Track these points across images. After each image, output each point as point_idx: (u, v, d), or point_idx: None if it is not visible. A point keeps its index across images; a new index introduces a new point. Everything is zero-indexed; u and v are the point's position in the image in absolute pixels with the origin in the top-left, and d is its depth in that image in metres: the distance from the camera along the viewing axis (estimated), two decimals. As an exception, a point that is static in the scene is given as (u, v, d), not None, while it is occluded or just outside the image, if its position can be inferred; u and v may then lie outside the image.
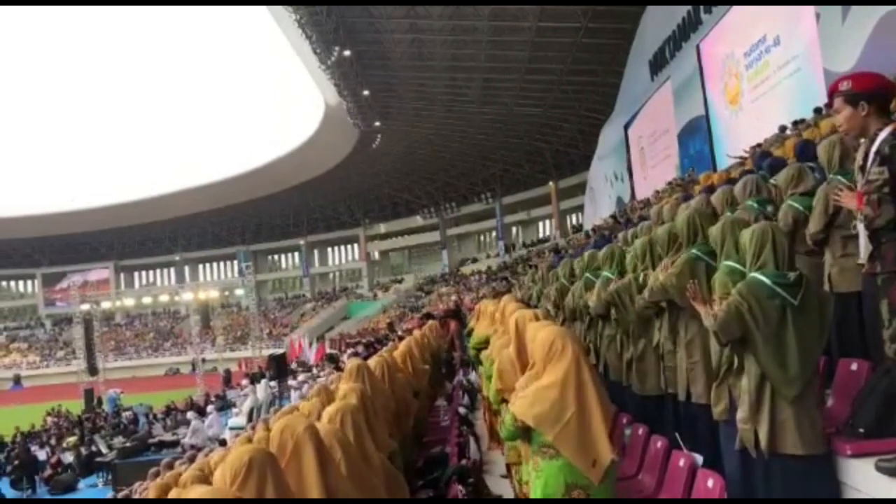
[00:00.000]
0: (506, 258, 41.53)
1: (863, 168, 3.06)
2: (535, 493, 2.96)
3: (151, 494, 4.86)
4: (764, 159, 6.15)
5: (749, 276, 3.03)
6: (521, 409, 2.92)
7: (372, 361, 5.37)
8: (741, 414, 3.00)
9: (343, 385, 4.14)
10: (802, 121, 11.99)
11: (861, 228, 3.11)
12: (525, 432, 2.98)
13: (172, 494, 3.89)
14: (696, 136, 19.70)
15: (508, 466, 4.90)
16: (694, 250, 3.90)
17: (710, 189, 6.97)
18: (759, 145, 12.71)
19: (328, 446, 2.62)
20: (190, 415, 18.35)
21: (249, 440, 4.61)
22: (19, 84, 51.21)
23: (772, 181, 4.81)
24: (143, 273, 59.92)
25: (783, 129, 12.54)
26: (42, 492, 16.72)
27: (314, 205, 51.77)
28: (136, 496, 7.48)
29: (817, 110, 11.52)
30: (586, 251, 6.59)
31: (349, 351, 18.58)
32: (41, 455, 18.52)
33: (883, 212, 2.94)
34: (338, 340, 33.84)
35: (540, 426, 2.88)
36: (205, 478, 3.83)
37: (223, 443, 11.70)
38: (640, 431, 4.32)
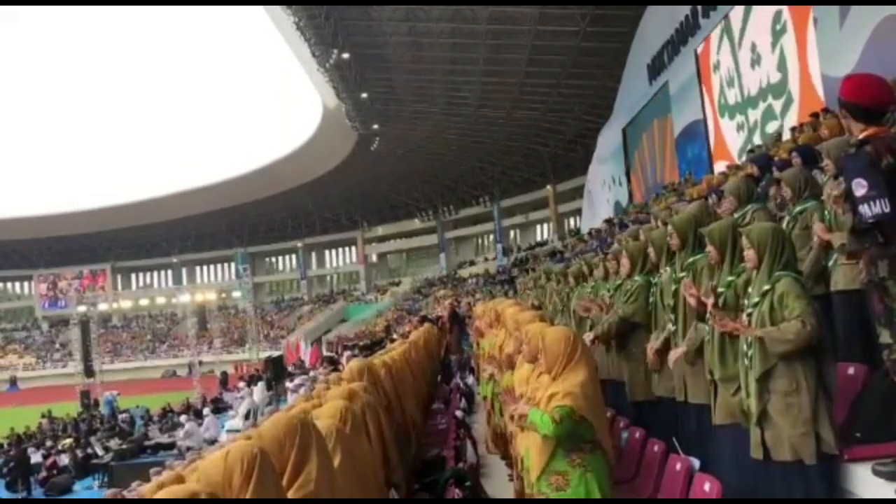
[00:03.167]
0: (504, 261, 41.51)
1: None
2: (581, 488, 2.97)
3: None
4: (764, 162, 6.15)
5: (796, 277, 3.02)
6: (578, 404, 2.95)
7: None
8: (791, 421, 2.90)
9: (344, 385, 4.14)
10: (802, 126, 12.00)
11: None
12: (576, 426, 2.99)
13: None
14: (694, 141, 19.74)
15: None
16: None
17: (717, 192, 6.97)
18: (754, 149, 12.72)
19: (331, 444, 2.63)
20: (183, 418, 18.31)
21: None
22: (18, 85, 51.21)
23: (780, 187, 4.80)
24: (141, 275, 59.76)
25: (780, 135, 12.57)
26: (37, 494, 16.60)
27: (312, 207, 51.68)
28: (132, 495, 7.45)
29: (815, 115, 11.52)
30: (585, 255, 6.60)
31: (347, 353, 18.57)
32: (37, 457, 18.43)
33: (846, 220, 2.98)
34: (335, 343, 33.79)
35: (594, 419, 3.00)
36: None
37: (213, 443, 11.68)
38: (637, 435, 4.31)
